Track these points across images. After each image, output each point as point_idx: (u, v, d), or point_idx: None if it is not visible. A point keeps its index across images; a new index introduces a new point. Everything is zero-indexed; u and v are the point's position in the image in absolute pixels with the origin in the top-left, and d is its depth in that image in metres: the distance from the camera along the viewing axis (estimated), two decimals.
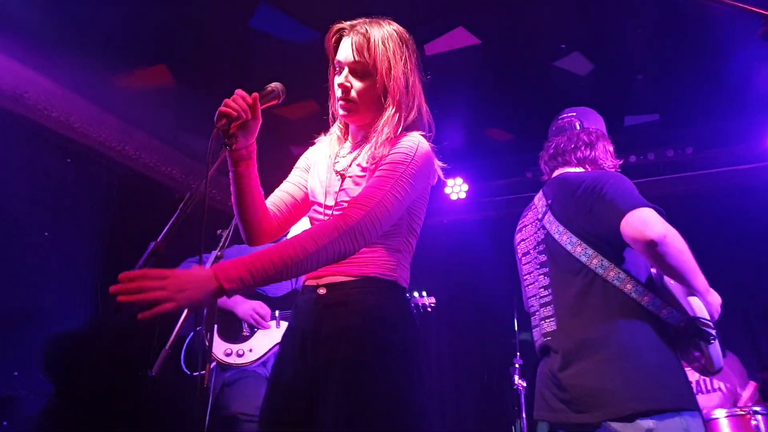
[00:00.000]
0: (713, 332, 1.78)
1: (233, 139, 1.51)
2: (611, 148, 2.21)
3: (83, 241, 4.37)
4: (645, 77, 4.27)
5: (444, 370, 5.56)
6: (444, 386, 5.52)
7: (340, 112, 1.66)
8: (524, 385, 3.96)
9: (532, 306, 2.14)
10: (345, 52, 1.62)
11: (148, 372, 1.89)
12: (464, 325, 5.53)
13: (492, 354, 5.08)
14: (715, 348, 1.82)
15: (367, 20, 1.66)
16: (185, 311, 2.41)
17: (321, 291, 1.58)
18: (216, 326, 3.19)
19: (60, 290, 4.14)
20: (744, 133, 4.82)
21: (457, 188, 5.52)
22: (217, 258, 2.58)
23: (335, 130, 1.78)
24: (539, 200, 2.20)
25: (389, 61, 1.60)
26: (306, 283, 1.65)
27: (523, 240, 2.26)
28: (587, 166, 2.17)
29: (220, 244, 2.61)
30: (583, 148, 2.16)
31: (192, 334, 3.20)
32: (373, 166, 1.58)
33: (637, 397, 1.72)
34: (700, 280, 1.79)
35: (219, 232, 2.61)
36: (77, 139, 4.36)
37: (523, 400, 3.94)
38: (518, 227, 2.32)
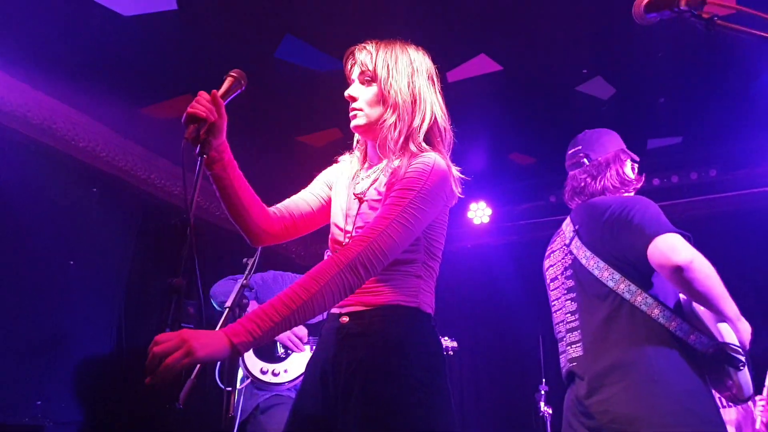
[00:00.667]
0: (743, 359, 1.76)
1: (207, 147, 1.46)
2: (626, 168, 2.19)
3: (108, 269, 4.42)
4: (667, 99, 4.26)
5: (467, 398, 5.49)
6: (467, 413, 5.43)
7: (351, 124, 1.67)
8: (550, 412, 3.90)
9: (560, 332, 2.13)
10: (355, 69, 1.68)
11: (176, 405, 1.89)
12: (488, 351, 5.47)
13: (517, 381, 5.01)
14: (745, 375, 1.80)
15: (375, 40, 1.68)
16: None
17: (344, 320, 1.56)
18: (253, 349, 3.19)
19: (85, 318, 4.19)
20: None
21: (480, 212, 5.50)
22: (243, 286, 2.59)
23: (356, 152, 1.79)
24: (567, 226, 2.20)
25: (389, 69, 1.61)
26: (331, 311, 1.63)
27: (551, 266, 2.25)
28: (607, 193, 2.16)
29: (246, 272, 2.63)
30: (591, 183, 2.16)
31: None
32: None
33: (666, 424, 1.70)
34: (729, 306, 1.78)
35: (245, 260, 2.63)
36: (103, 168, 4.46)
37: (549, 428, 3.87)
38: (546, 253, 2.31)
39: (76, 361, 4.09)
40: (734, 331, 1.80)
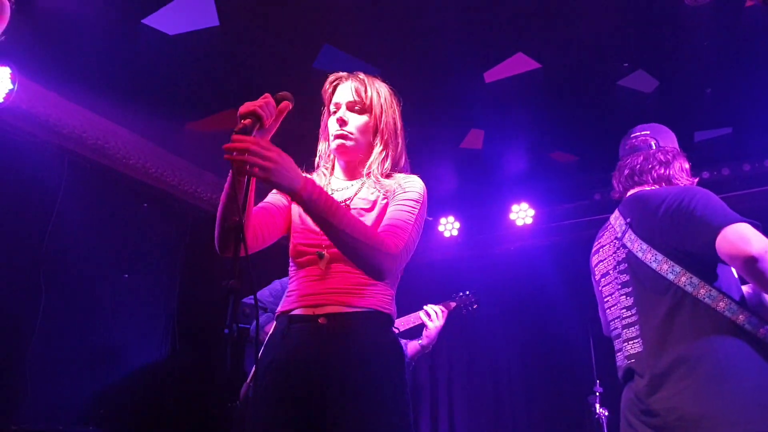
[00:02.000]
0: None
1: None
2: (687, 166, 2.14)
3: (159, 281, 4.56)
4: (714, 90, 4.13)
5: (517, 401, 5.41)
6: (517, 418, 5.35)
7: (335, 143, 1.77)
8: (606, 414, 3.80)
9: (615, 329, 2.07)
10: (344, 93, 1.81)
11: (237, 403, 1.95)
12: (537, 355, 5.38)
13: (569, 383, 4.92)
14: None
15: (362, 73, 1.86)
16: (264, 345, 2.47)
17: (321, 321, 1.62)
18: None
19: (138, 329, 4.32)
20: None
21: (522, 214, 5.44)
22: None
23: (321, 170, 1.89)
24: (616, 219, 2.15)
25: (382, 106, 1.80)
26: (294, 313, 1.66)
27: (600, 261, 2.19)
28: (663, 184, 2.11)
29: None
30: (659, 167, 2.10)
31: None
32: (384, 199, 1.73)
33: (738, 421, 1.63)
34: None
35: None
36: (153, 183, 4.61)
37: (605, 430, 3.78)
38: (594, 249, 2.26)
39: (131, 371, 4.22)
40: None
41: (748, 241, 1.66)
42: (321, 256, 1.68)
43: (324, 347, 1.59)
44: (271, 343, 1.67)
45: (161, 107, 4.10)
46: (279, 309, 1.72)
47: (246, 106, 1.46)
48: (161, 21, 3.35)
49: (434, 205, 1.82)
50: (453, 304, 3.44)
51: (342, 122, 1.77)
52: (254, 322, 3.36)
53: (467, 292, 3.64)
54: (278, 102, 1.55)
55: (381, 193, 1.74)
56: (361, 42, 3.60)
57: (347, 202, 1.73)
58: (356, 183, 1.80)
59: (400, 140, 1.84)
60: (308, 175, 1.84)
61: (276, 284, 3.43)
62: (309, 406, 1.55)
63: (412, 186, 1.74)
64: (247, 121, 1.44)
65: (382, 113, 1.79)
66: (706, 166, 4.85)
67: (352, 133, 1.77)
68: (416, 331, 3.27)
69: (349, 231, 1.50)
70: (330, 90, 1.85)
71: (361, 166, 1.81)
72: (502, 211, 5.53)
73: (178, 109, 4.15)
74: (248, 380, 2.25)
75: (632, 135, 2.25)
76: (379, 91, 1.82)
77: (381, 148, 1.79)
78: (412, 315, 3.28)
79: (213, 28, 3.41)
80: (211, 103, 4.17)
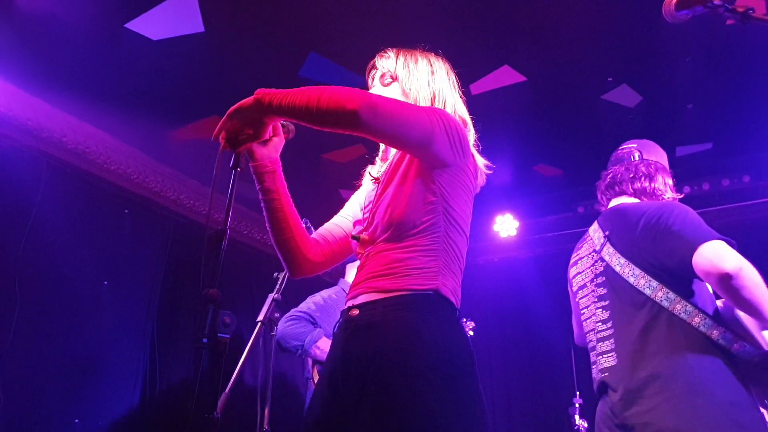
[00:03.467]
0: None
1: (241, 159, 1.46)
2: (671, 182, 2.16)
3: (140, 288, 4.49)
4: (696, 106, 4.19)
5: (499, 412, 5.41)
6: (498, 428, 5.35)
7: None
8: (585, 425, 3.82)
9: (590, 341, 2.08)
10: (376, 75, 1.73)
11: (214, 415, 1.91)
12: (519, 365, 5.39)
13: (549, 394, 4.93)
14: None
15: (399, 48, 1.75)
16: (243, 356, 2.44)
17: (353, 313, 1.44)
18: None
19: (119, 336, 4.24)
20: None
21: (506, 225, 5.46)
22: (275, 301, 2.61)
23: (377, 160, 1.80)
24: (595, 232, 2.16)
25: (409, 69, 1.67)
26: (344, 307, 1.54)
27: (578, 273, 2.20)
28: (643, 198, 2.12)
29: (277, 286, 2.64)
30: (641, 179, 2.12)
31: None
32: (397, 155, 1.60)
33: None
34: None
35: (276, 274, 2.65)
36: (135, 190, 4.55)
37: None
38: (572, 261, 2.27)
39: (110, 379, 4.15)
40: None
41: (722, 258, 1.68)
42: (358, 239, 1.55)
43: (351, 343, 1.41)
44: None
45: (144, 113, 4.05)
46: None
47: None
48: (145, 25, 3.32)
49: None
50: None
51: None
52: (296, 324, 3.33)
53: (463, 319, 3.59)
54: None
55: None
56: (347, 51, 3.60)
57: (380, 177, 1.62)
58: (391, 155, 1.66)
59: (439, 102, 1.64)
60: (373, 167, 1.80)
61: (317, 297, 3.40)
62: (336, 412, 1.38)
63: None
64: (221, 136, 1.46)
65: (409, 76, 1.65)
66: (687, 181, 4.91)
67: None
68: None
69: (313, 91, 1.37)
70: (371, 80, 1.77)
71: None
72: (486, 223, 5.55)
73: (161, 115, 4.10)
74: (226, 391, 2.21)
75: (620, 148, 2.27)
76: (406, 57, 1.69)
77: None
78: None
79: (198, 35, 3.39)
80: (195, 110, 4.14)
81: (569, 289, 2.27)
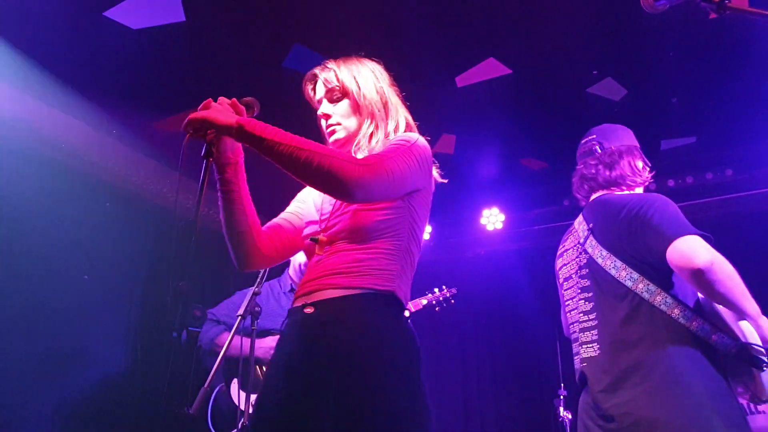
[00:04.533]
0: (766, 359, 1.72)
1: (212, 150, 1.47)
2: (640, 163, 2.15)
3: (122, 282, 4.44)
4: (680, 99, 4.21)
5: (485, 404, 5.44)
6: (485, 420, 5.38)
7: (330, 140, 1.70)
8: (570, 417, 3.84)
9: (573, 332, 2.09)
10: (319, 90, 1.73)
11: (186, 409, 1.89)
12: (505, 358, 5.43)
13: (535, 386, 4.96)
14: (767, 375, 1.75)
15: (331, 60, 1.76)
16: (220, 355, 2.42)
17: (308, 311, 1.48)
18: (237, 381, 3.15)
19: (100, 331, 4.20)
20: None
21: (493, 218, 5.47)
22: (255, 294, 2.58)
23: None
24: (579, 224, 2.16)
25: (356, 81, 1.69)
26: (294, 305, 1.56)
27: (564, 265, 2.21)
28: (614, 188, 2.12)
29: (258, 280, 2.62)
30: (603, 170, 2.12)
31: (217, 390, 3.17)
32: None
33: (691, 426, 1.68)
34: (750, 305, 1.75)
35: None
36: (116, 182, 4.49)
37: None
38: (559, 252, 2.28)
39: (92, 373, 4.10)
40: (756, 329, 1.77)
41: (695, 253, 1.70)
42: (316, 241, 1.58)
43: (308, 340, 1.44)
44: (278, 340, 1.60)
45: (125, 104, 3.99)
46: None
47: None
48: (124, 14, 3.25)
49: None
50: (423, 302, 3.36)
51: (326, 117, 1.70)
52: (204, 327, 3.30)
53: (442, 287, 3.54)
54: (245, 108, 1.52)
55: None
56: (332, 44, 3.55)
57: None
58: None
59: (392, 108, 1.72)
60: None
61: (237, 296, 3.35)
62: (294, 405, 1.40)
63: (403, 136, 1.63)
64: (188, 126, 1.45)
65: (360, 89, 1.68)
66: (671, 174, 4.94)
67: (339, 123, 1.69)
68: None
69: (303, 145, 1.39)
70: (311, 92, 1.77)
71: (353, 145, 1.72)
72: (473, 216, 5.56)
73: (143, 106, 4.05)
74: (205, 385, 2.19)
75: (582, 141, 2.27)
76: (350, 68, 1.71)
77: (369, 121, 1.68)
78: None
79: (180, 24, 3.33)
80: (178, 102, 4.08)
81: (557, 281, 2.28)
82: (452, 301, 3.44)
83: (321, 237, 1.58)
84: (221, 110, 1.44)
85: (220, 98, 1.51)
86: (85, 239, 4.21)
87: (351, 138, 1.70)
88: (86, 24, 3.31)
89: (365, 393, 1.35)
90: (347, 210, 1.56)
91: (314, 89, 1.75)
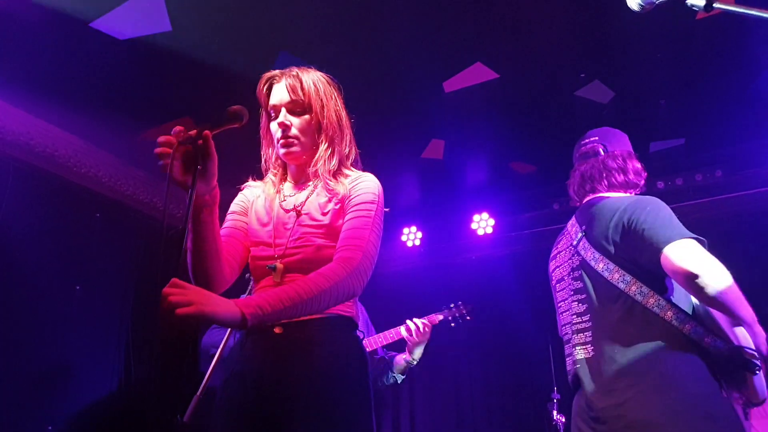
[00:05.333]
0: (758, 363, 1.72)
1: (201, 158, 1.45)
2: (639, 165, 2.17)
3: (113, 293, 4.41)
4: (668, 101, 4.23)
5: (478, 408, 5.42)
6: (478, 425, 5.36)
7: (282, 151, 1.70)
8: (563, 420, 3.83)
9: (566, 333, 2.09)
10: (280, 94, 1.70)
11: (179, 418, 1.87)
12: (497, 362, 5.41)
13: (528, 390, 4.95)
14: (760, 379, 1.77)
15: (295, 68, 1.76)
16: (213, 361, 2.40)
17: (277, 330, 1.54)
18: None
19: (92, 342, 4.17)
20: None
21: (483, 223, 5.47)
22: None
23: (270, 177, 1.80)
24: (572, 226, 2.16)
25: (322, 100, 1.71)
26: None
27: (557, 267, 2.21)
28: (623, 190, 2.13)
29: (249, 289, 2.60)
30: (612, 174, 2.13)
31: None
32: (337, 205, 1.65)
33: (683, 429, 1.67)
34: (744, 309, 1.74)
35: (247, 276, 2.60)
36: (106, 193, 4.47)
37: None
38: (552, 254, 2.28)
39: (84, 385, 4.07)
40: (751, 335, 1.77)
41: (689, 257, 1.70)
42: (273, 269, 1.62)
43: (279, 358, 1.52)
44: (230, 357, 1.64)
45: (114, 114, 3.98)
46: None
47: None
48: (110, 25, 3.24)
49: (397, 214, 1.77)
50: (439, 317, 3.33)
51: (285, 127, 1.69)
52: (205, 334, 3.27)
53: (459, 303, 3.51)
54: (227, 120, 1.49)
55: (334, 198, 1.67)
56: (320, 50, 3.56)
57: (299, 208, 1.68)
58: (309, 186, 1.73)
59: (346, 132, 1.76)
60: (256, 184, 1.82)
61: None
62: (264, 421, 1.48)
63: (365, 187, 1.67)
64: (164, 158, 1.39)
65: (323, 108, 1.70)
66: (661, 176, 4.96)
67: (297, 138, 1.69)
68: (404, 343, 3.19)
69: (306, 294, 1.40)
70: (265, 91, 1.75)
71: (309, 164, 1.74)
72: (463, 221, 5.56)
73: (131, 116, 4.04)
74: (198, 393, 2.17)
75: (582, 142, 2.27)
76: (316, 85, 1.72)
77: (327, 145, 1.70)
78: (393, 330, 3.21)
79: (166, 33, 3.33)
80: (168, 112, 4.07)
81: (551, 283, 2.28)
82: (468, 318, 3.42)
83: (278, 264, 1.62)
84: (212, 300, 1.29)
85: (175, 128, 1.43)
86: (76, 251, 4.19)
87: (305, 154, 1.71)
88: (73, 35, 3.29)
89: (337, 410, 1.48)
90: (309, 244, 1.61)
91: (269, 90, 1.74)
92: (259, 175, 1.85)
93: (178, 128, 1.41)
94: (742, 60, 3.77)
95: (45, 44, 3.34)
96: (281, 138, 1.69)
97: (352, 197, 1.65)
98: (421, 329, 2.99)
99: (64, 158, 4.15)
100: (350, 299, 1.53)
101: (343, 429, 1.47)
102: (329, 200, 1.66)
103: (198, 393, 2.28)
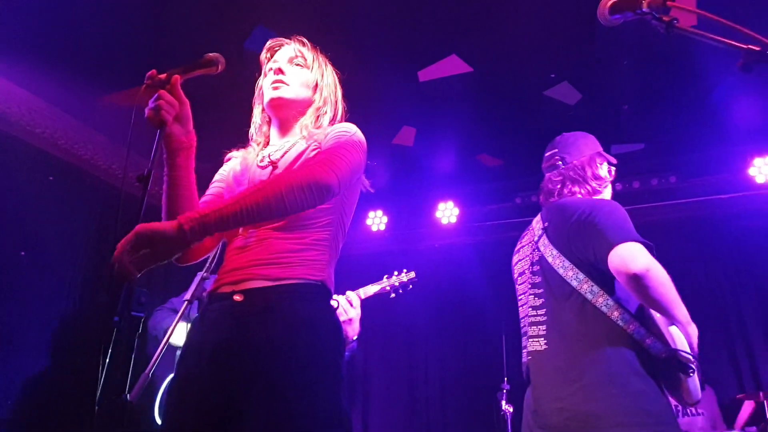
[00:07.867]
0: (693, 365, 1.81)
1: (167, 121, 1.50)
2: (603, 169, 2.19)
3: (62, 262, 4.25)
4: (631, 107, 4.34)
5: (432, 395, 5.50)
6: (431, 411, 5.44)
7: (270, 94, 1.65)
8: (511, 410, 3.93)
9: (524, 326, 2.15)
10: (285, 51, 1.72)
11: (125, 396, 1.84)
12: (455, 349, 5.49)
13: (481, 379, 5.04)
14: (694, 381, 1.85)
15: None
16: (163, 342, 2.35)
17: (237, 298, 1.43)
18: None
19: (34, 312, 4.01)
20: (725, 162, 4.91)
21: (448, 212, 5.52)
22: (203, 279, 2.53)
23: (257, 139, 1.76)
24: (537, 223, 2.22)
25: (321, 67, 1.72)
26: (218, 291, 1.50)
27: (519, 261, 2.27)
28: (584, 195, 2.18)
29: (206, 265, 2.56)
30: (571, 185, 2.17)
31: (169, 380, 3.10)
32: (314, 151, 1.56)
33: (622, 423, 1.74)
34: (680, 310, 1.82)
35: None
36: (62, 156, 4.30)
37: (509, 426, 3.90)
38: (516, 248, 2.33)
39: (23, 356, 3.93)
40: (684, 334, 1.86)
41: (633, 259, 1.76)
42: None
43: (239, 328, 1.40)
44: (192, 327, 1.53)
45: (75, 75, 3.81)
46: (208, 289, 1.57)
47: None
48: None
49: (363, 198, 1.73)
50: (374, 289, 3.25)
51: (279, 71, 1.65)
52: (150, 313, 3.22)
53: (402, 271, 3.30)
54: (200, 65, 1.50)
55: (312, 144, 1.58)
56: (295, 29, 3.50)
57: (275, 161, 1.61)
58: (290, 140, 1.66)
59: (340, 105, 1.75)
60: (238, 153, 1.76)
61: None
62: (219, 394, 1.36)
63: (344, 127, 1.62)
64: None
65: (323, 74, 1.70)
66: (619, 178, 5.06)
67: (288, 84, 1.65)
68: None
69: (261, 198, 1.34)
70: (269, 55, 1.73)
71: (297, 120, 1.69)
72: (428, 209, 5.60)
73: (94, 78, 3.87)
74: (146, 372, 2.14)
75: (546, 155, 2.32)
76: (318, 55, 1.75)
77: (321, 103, 1.68)
78: None
79: None
80: (134, 78, 3.93)
81: (512, 276, 2.33)
82: (410, 286, 3.26)
83: None
84: (153, 224, 1.31)
85: (149, 73, 1.48)
86: (25, 214, 4.02)
87: (291, 104, 1.67)
88: None
89: (297, 384, 1.34)
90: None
91: (273, 55, 1.72)
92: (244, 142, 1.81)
93: (151, 72, 1.42)
94: (699, 73, 3.91)
95: None
96: (273, 82, 1.65)
97: (328, 134, 1.59)
98: (352, 302, 2.73)
99: (18, 116, 3.97)
100: (304, 209, 1.41)
101: (302, 408, 1.32)
102: (307, 148, 1.58)
103: (146, 372, 2.24)
